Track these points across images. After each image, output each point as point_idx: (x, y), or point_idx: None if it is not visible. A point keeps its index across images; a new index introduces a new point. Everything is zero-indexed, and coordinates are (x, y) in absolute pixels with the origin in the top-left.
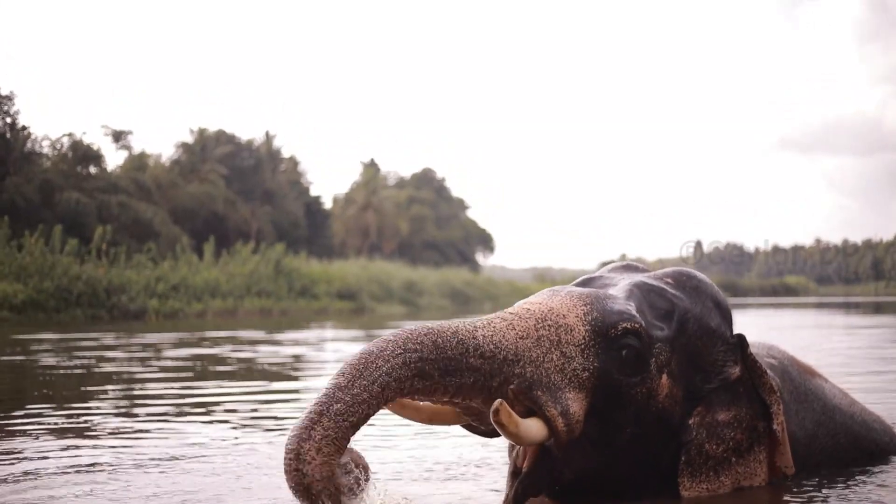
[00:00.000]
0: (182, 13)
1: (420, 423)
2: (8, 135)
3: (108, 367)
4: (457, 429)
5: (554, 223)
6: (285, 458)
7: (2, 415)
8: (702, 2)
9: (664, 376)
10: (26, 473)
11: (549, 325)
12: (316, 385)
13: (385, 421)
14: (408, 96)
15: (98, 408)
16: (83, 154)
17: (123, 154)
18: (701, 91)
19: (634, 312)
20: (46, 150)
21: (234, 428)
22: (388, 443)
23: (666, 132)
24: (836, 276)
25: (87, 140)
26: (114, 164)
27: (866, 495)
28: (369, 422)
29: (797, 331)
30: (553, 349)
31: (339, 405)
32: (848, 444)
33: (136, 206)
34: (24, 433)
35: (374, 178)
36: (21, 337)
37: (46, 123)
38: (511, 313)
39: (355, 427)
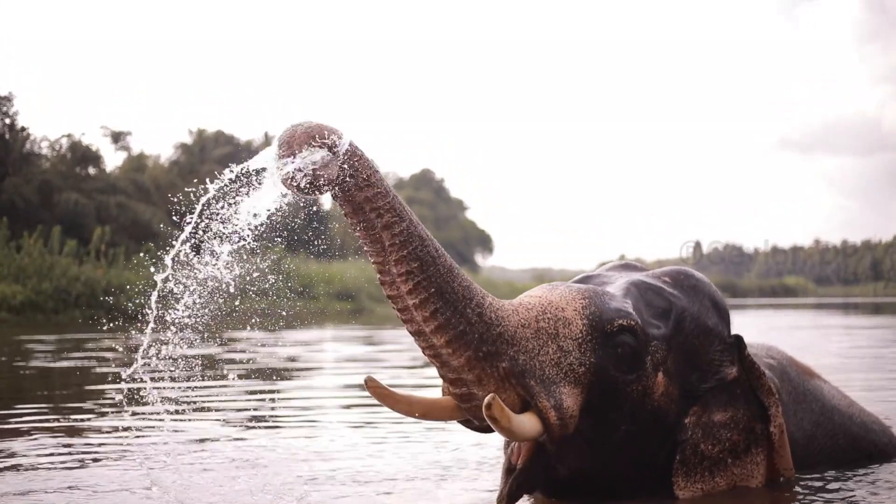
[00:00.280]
0: (181, 14)
1: (413, 418)
2: (7, 136)
3: (105, 368)
4: (453, 426)
5: (553, 224)
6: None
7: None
8: (701, 2)
9: (660, 374)
10: (16, 469)
11: (548, 318)
12: (314, 384)
13: (382, 419)
14: (406, 97)
15: (94, 408)
16: (82, 155)
17: (122, 155)
18: (700, 91)
19: (631, 310)
20: (45, 150)
21: (232, 427)
22: (386, 443)
23: (665, 132)
24: (835, 276)
25: (85, 141)
26: (112, 165)
27: (865, 496)
28: (368, 424)
29: (796, 331)
30: (550, 342)
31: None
32: (846, 444)
33: (135, 207)
34: (18, 432)
35: None
36: (19, 337)
37: (45, 124)
38: (517, 303)
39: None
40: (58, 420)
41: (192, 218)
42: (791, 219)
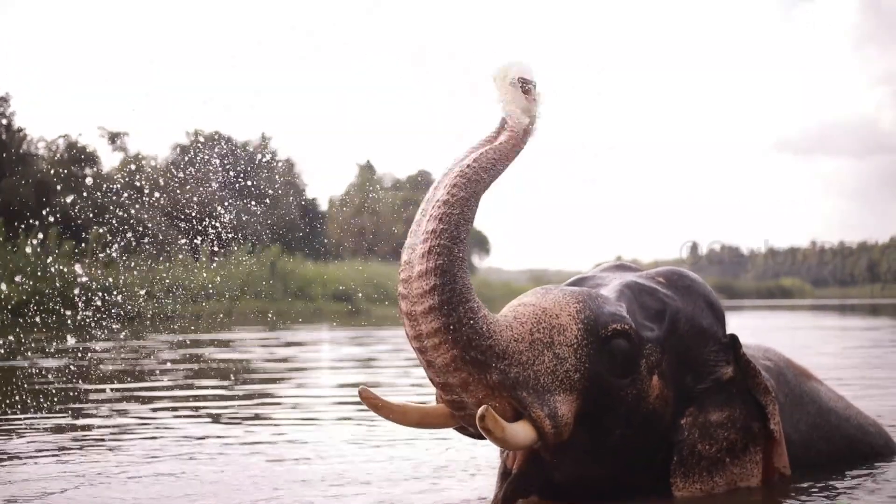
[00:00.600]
0: (178, 15)
1: (408, 427)
2: (3, 136)
3: (102, 368)
4: (448, 431)
5: (549, 225)
6: None
7: None
8: (700, 3)
9: (655, 377)
10: (10, 470)
11: (543, 328)
12: (310, 384)
13: (378, 420)
14: (403, 98)
15: (89, 409)
16: (79, 155)
17: (119, 155)
18: (698, 92)
19: (625, 313)
20: (42, 151)
21: (227, 427)
22: (382, 443)
23: (663, 133)
24: (832, 278)
25: (82, 141)
26: (109, 166)
27: (862, 497)
28: (363, 424)
29: (792, 333)
30: (546, 351)
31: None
32: (843, 446)
33: (132, 208)
34: (13, 432)
35: (370, 180)
36: (14, 338)
37: (42, 125)
38: (511, 318)
39: None
40: (52, 420)
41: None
42: (788, 220)
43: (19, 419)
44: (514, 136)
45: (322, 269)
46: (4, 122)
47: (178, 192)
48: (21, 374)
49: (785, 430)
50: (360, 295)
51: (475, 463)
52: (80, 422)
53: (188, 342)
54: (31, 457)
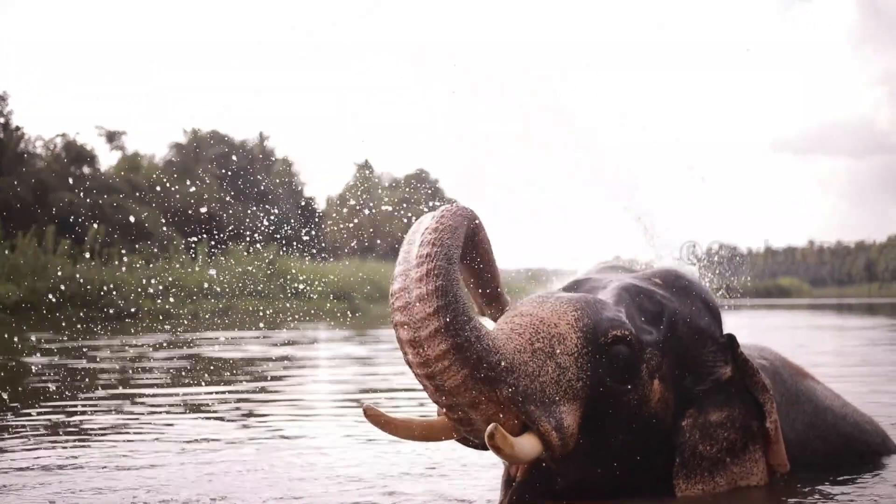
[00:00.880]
0: (176, 13)
1: (413, 441)
2: (1, 135)
3: (99, 367)
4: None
5: (547, 223)
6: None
7: None
8: (698, 3)
9: (656, 381)
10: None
11: (542, 337)
12: (307, 382)
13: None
14: (402, 97)
15: (87, 407)
16: (76, 154)
17: (117, 154)
18: (696, 92)
19: (624, 319)
20: (40, 150)
21: (225, 425)
22: (379, 440)
23: (660, 132)
24: (830, 277)
25: (80, 140)
26: (107, 165)
27: (859, 496)
28: (361, 422)
29: (790, 332)
30: (548, 361)
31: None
32: (839, 444)
33: (130, 207)
34: (10, 430)
35: (368, 179)
36: (12, 337)
37: (40, 124)
38: (508, 329)
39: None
40: (49, 419)
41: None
42: (786, 220)
43: (17, 417)
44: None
45: (320, 267)
46: (2, 120)
47: (177, 190)
48: (20, 373)
49: (782, 429)
50: (359, 294)
51: (473, 457)
52: (76, 419)
53: (185, 340)
54: (27, 453)
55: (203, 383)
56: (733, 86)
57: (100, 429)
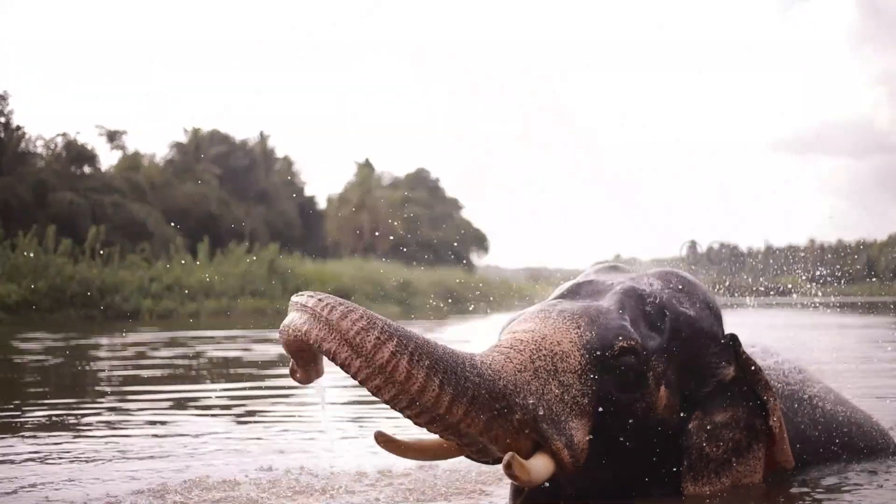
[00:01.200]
0: (177, 13)
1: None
2: (2, 134)
3: (99, 367)
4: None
5: (548, 222)
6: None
7: None
8: (697, 3)
9: (662, 388)
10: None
11: (544, 356)
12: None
13: (376, 416)
14: (402, 96)
15: (86, 405)
16: (77, 154)
17: (117, 154)
18: (695, 92)
19: (629, 328)
20: (40, 149)
21: (226, 423)
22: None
23: (659, 132)
24: (830, 276)
25: (81, 140)
26: (108, 164)
27: (859, 495)
28: (360, 420)
29: (790, 330)
30: (551, 379)
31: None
32: (841, 443)
33: (130, 207)
34: (9, 429)
35: (369, 178)
36: (13, 337)
37: (40, 123)
38: (507, 347)
39: None
40: (48, 418)
41: None
42: (786, 218)
43: (17, 417)
44: None
45: (320, 267)
46: (3, 120)
47: (177, 190)
48: (20, 373)
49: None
50: (359, 293)
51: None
52: (76, 419)
53: (185, 340)
54: (25, 451)
55: (203, 382)
56: (732, 85)
57: (99, 426)
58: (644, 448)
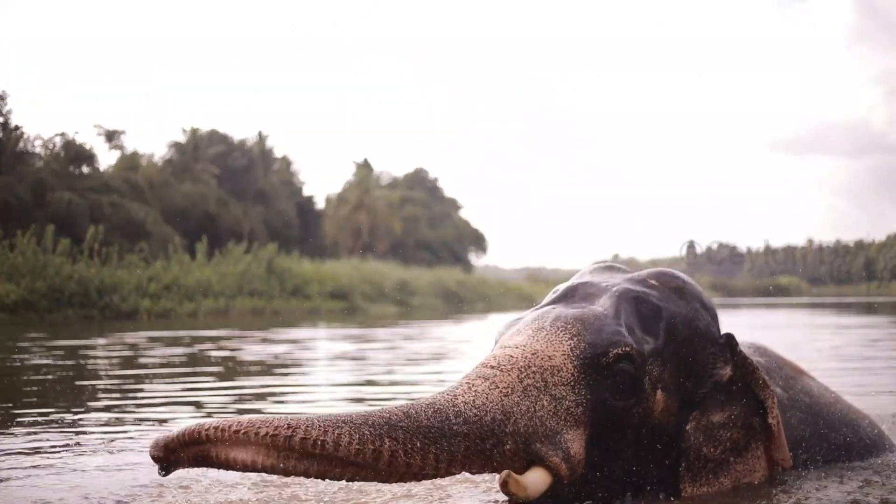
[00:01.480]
0: (175, 13)
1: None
2: (0, 134)
3: (98, 366)
4: None
5: (546, 223)
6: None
7: None
8: (696, 3)
9: (658, 392)
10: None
11: (533, 372)
12: (307, 381)
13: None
14: (401, 96)
15: (83, 405)
16: (75, 154)
17: (116, 154)
18: (694, 92)
19: (625, 333)
20: (39, 149)
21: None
22: None
23: (659, 132)
24: (829, 276)
25: (79, 140)
26: (106, 164)
27: (856, 493)
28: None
29: (788, 330)
30: (542, 395)
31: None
32: (836, 442)
33: (129, 206)
34: (9, 427)
35: (367, 178)
36: (12, 337)
37: (39, 123)
38: (492, 367)
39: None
40: (47, 417)
41: None
42: (784, 219)
43: (17, 416)
44: None
45: (318, 266)
46: (1, 120)
47: (175, 190)
48: (19, 372)
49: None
50: (357, 293)
51: None
52: (73, 418)
53: (184, 339)
54: (24, 453)
55: (202, 382)
56: (732, 86)
57: (97, 427)
58: (642, 452)
